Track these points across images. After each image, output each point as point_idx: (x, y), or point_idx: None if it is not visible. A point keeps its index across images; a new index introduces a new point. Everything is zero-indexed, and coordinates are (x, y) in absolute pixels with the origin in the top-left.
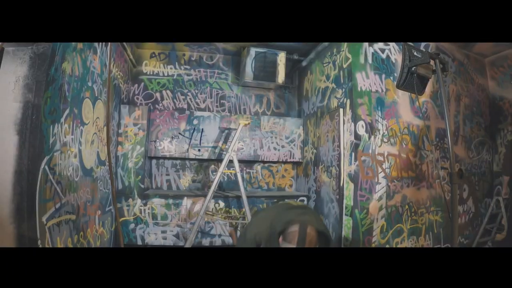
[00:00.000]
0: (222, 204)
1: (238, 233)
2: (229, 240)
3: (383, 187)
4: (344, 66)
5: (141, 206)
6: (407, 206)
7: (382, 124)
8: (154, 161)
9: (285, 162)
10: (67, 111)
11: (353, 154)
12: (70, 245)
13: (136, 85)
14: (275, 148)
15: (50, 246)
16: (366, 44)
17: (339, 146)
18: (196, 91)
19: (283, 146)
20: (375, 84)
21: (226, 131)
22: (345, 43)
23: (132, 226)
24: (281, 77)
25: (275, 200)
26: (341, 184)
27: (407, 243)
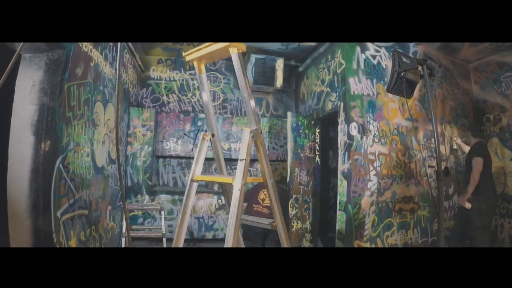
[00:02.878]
0: (224, 200)
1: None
2: None
3: (374, 184)
4: (338, 71)
5: (149, 201)
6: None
7: (374, 126)
8: (161, 160)
9: (283, 161)
10: (80, 114)
11: (346, 153)
12: (83, 239)
13: (144, 89)
14: (273, 148)
15: (64, 240)
16: (358, 50)
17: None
18: (200, 95)
19: (281, 146)
20: (367, 88)
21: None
22: (339, 50)
23: (140, 220)
24: (279, 81)
25: None
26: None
27: (396, 236)
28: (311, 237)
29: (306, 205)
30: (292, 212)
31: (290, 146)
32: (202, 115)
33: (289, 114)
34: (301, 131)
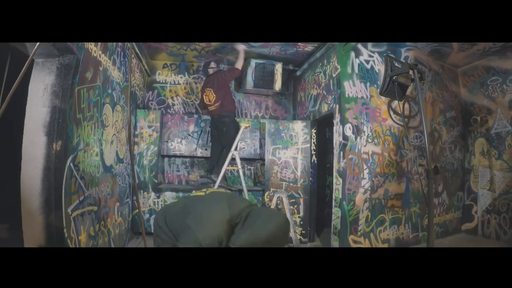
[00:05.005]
0: None
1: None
2: None
3: (367, 182)
4: (334, 75)
5: (154, 198)
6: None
7: (367, 127)
8: (166, 159)
9: None
10: (89, 115)
11: (341, 153)
12: (92, 233)
13: (150, 92)
14: None
15: (75, 235)
16: (353, 55)
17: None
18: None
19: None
20: (361, 91)
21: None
22: (334, 55)
23: (147, 216)
24: (278, 85)
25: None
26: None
27: (389, 231)
28: (303, 231)
29: (292, 200)
30: (268, 203)
31: (267, 147)
32: (204, 117)
33: (266, 121)
34: (283, 134)
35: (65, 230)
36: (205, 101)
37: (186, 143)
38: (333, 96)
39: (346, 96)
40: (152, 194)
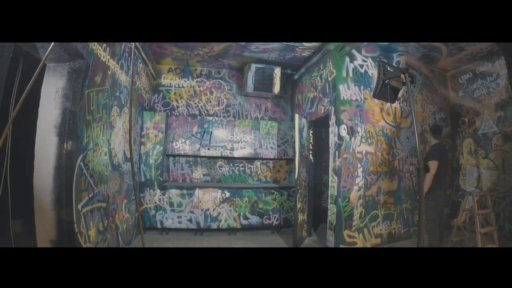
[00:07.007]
0: (227, 194)
1: (241, 219)
2: (234, 225)
3: (361, 180)
4: (329, 79)
5: (160, 195)
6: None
7: (361, 127)
8: (171, 158)
9: (280, 159)
10: (98, 117)
11: (337, 152)
12: (101, 229)
13: (156, 95)
14: (271, 147)
15: (85, 230)
16: (348, 60)
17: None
18: (206, 100)
19: (278, 146)
20: (355, 94)
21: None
22: (330, 60)
23: (152, 212)
24: (277, 88)
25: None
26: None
27: (381, 227)
28: (307, 228)
29: (305, 199)
30: (298, 205)
31: (297, 146)
32: (207, 118)
33: (297, 116)
34: (303, 132)
35: (75, 225)
36: None
37: (190, 143)
38: (329, 98)
39: (341, 98)
40: (158, 191)
